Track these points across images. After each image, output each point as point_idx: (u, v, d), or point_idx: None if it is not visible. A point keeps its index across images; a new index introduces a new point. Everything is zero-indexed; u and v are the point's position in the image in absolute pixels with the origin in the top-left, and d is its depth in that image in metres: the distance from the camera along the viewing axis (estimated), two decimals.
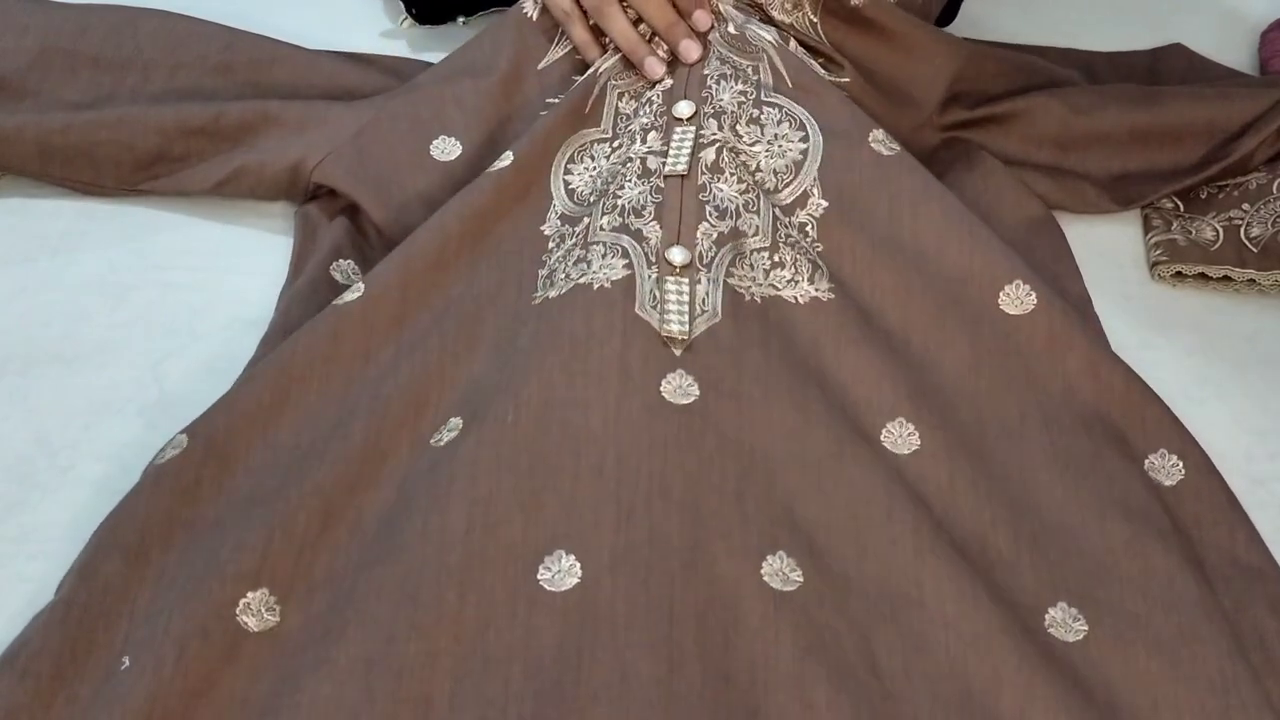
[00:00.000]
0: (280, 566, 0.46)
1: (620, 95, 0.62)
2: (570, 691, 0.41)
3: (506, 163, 0.59)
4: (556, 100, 0.63)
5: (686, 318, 0.50)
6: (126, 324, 0.61)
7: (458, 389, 0.51)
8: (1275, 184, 0.66)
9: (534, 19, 0.66)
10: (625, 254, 0.53)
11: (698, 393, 0.49)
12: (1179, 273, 0.65)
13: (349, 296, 0.54)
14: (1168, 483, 0.51)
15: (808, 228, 0.56)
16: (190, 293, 0.62)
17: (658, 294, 0.51)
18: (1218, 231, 0.66)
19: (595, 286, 0.51)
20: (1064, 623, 0.46)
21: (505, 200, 0.58)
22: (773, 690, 0.42)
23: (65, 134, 0.64)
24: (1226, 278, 0.65)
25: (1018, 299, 0.55)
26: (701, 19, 0.61)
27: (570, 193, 0.58)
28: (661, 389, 0.49)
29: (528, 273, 0.55)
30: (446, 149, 0.64)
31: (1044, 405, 0.52)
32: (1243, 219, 0.66)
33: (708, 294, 0.52)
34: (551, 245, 0.56)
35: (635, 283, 0.51)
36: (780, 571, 0.45)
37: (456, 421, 0.49)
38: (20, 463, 0.55)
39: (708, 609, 0.43)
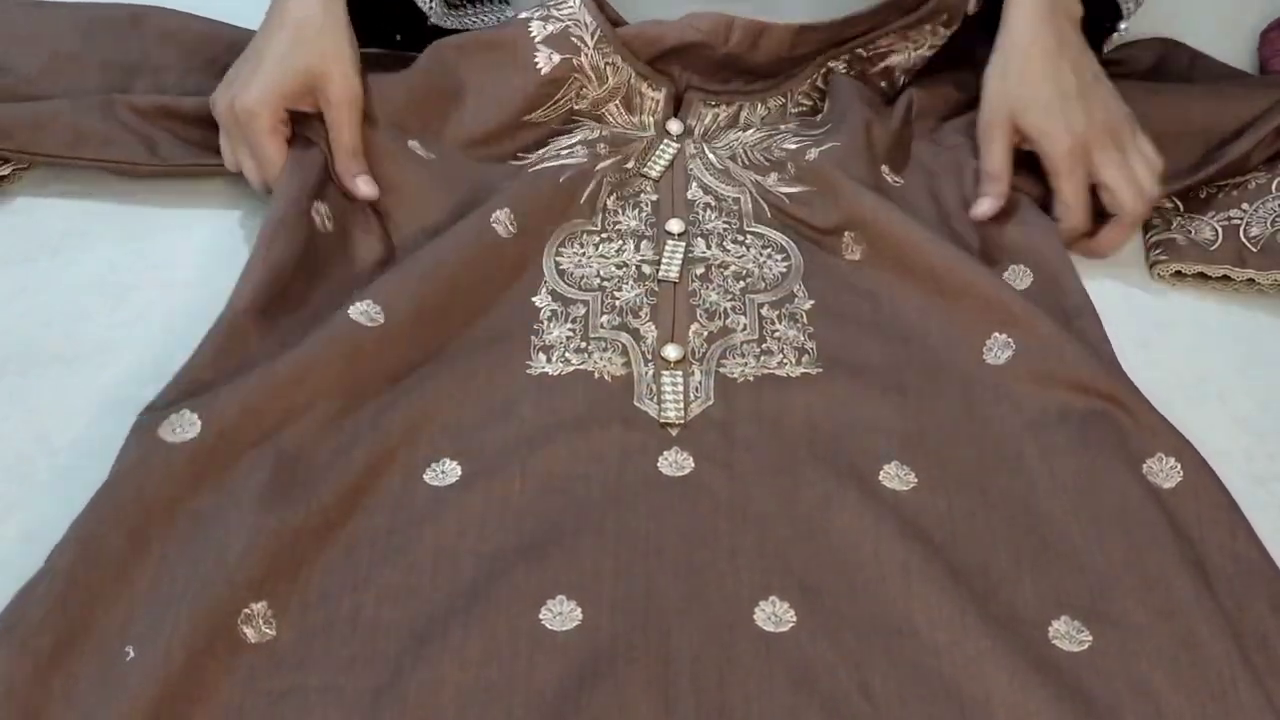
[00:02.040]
0: (280, 580, 0.47)
1: (611, 193, 0.65)
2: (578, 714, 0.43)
3: (505, 234, 0.61)
4: (532, 156, 0.66)
5: (682, 405, 0.55)
6: (127, 324, 0.61)
7: (449, 428, 0.53)
8: (1274, 183, 0.66)
9: (543, 72, 0.67)
10: (624, 351, 0.58)
11: (692, 465, 0.53)
12: (1178, 272, 0.66)
13: (365, 321, 0.55)
14: (1167, 485, 0.52)
15: (797, 316, 0.60)
16: (190, 292, 0.62)
17: (654, 387, 0.56)
18: (1217, 231, 0.66)
19: (596, 376, 0.56)
20: (1068, 634, 0.47)
21: (504, 268, 0.61)
22: None
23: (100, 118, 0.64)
24: (1226, 277, 0.65)
25: (996, 351, 0.58)
26: (362, 188, 0.62)
27: (561, 273, 0.62)
28: (658, 464, 0.53)
29: (518, 336, 0.58)
30: (424, 149, 0.65)
31: (1038, 433, 0.54)
32: (1242, 218, 0.66)
33: (701, 382, 0.57)
34: (544, 316, 0.59)
35: (633, 378, 0.57)
36: (773, 615, 0.47)
37: (454, 466, 0.52)
38: (20, 462, 0.55)
39: (702, 651, 0.46)
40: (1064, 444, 0.53)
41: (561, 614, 0.46)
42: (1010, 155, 0.64)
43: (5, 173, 0.66)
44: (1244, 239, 0.65)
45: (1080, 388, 0.55)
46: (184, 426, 0.50)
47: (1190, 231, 0.67)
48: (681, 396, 0.55)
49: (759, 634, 0.46)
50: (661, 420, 0.55)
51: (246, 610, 0.46)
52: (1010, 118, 0.64)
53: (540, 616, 0.46)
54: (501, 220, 0.61)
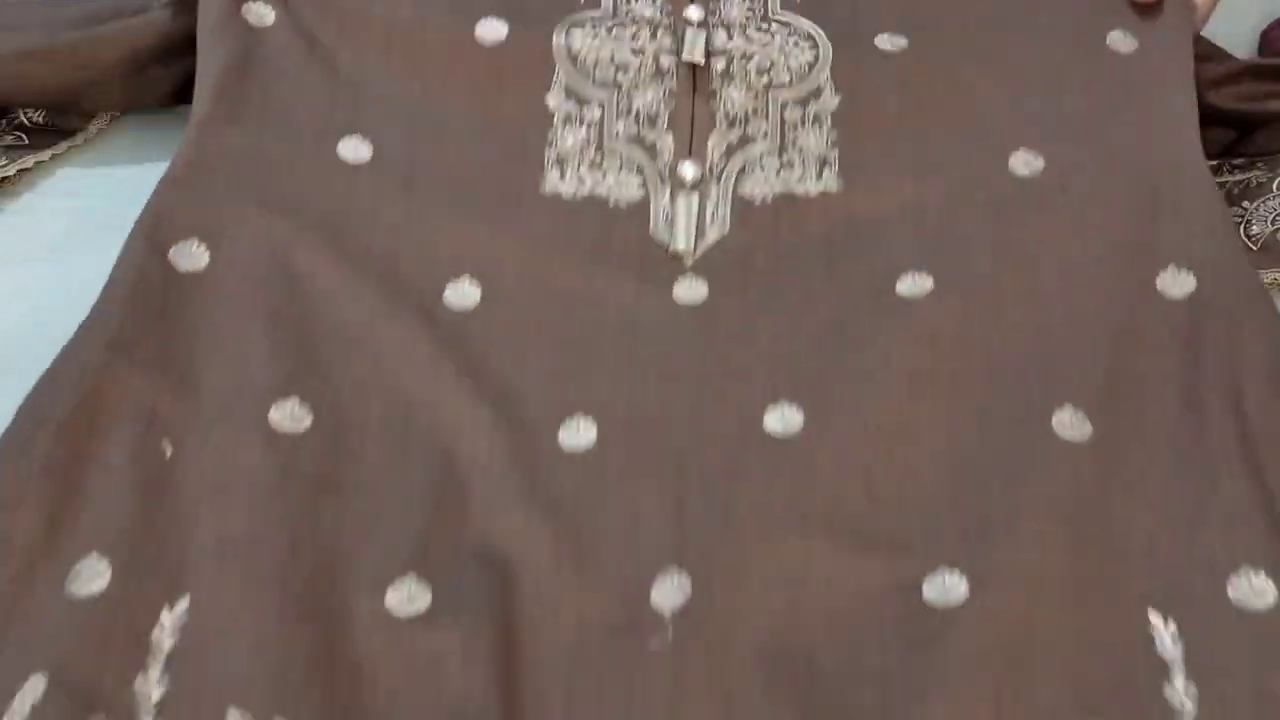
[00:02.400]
0: (309, 384, 0.49)
1: None
2: (586, 530, 0.46)
3: (501, 35, 0.60)
4: None
5: (693, 235, 0.56)
6: None
7: (467, 248, 0.55)
8: (1275, 182, 0.66)
9: None
10: (640, 171, 0.58)
11: (707, 293, 0.54)
12: None
13: (352, 157, 0.57)
14: (1178, 295, 0.53)
15: (822, 118, 0.59)
16: None
17: (670, 212, 0.56)
18: None
19: (611, 203, 0.57)
20: (1071, 423, 0.49)
21: (504, 70, 0.59)
22: (768, 530, 0.47)
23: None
24: None
25: (1026, 162, 0.58)
26: None
27: (573, 58, 0.60)
28: (674, 292, 0.54)
29: (532, 147, 0.58)
30: None
31: (1058, 245, 0.55)
32: (1243, 216, 0.66)
33: (717, 207, 0.57)
34: (556, 121, 0.59)
35: (649, 205, 0.57)
36: (782, 418, 0.50)
37: (473, 289, 0.54)
38: None
39: (712, 459, 0.48)
40: (1081, 259, 0.54)
41: (578, 431, 0.49)
42: None
43: (10, 173, 0.66)
44: (1245, 237, 0.65)
45: (1104, 205, 0.56)
46: (194, 256, 0.53)
47: None
48: (694, 226, 0.56)
49: (767, 438, 0.49)
50: (672, 252, 0.56)
51: (278, 404, 0.48)
52: None
53: (559, 436, 0.49)
54: (491, 27, 0.61)
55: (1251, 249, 0.65)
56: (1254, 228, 0.65)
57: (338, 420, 0.49)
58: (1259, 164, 0.69)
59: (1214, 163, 0.70)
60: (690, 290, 0.54)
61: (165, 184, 0.55)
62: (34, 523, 0.43)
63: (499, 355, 0.52)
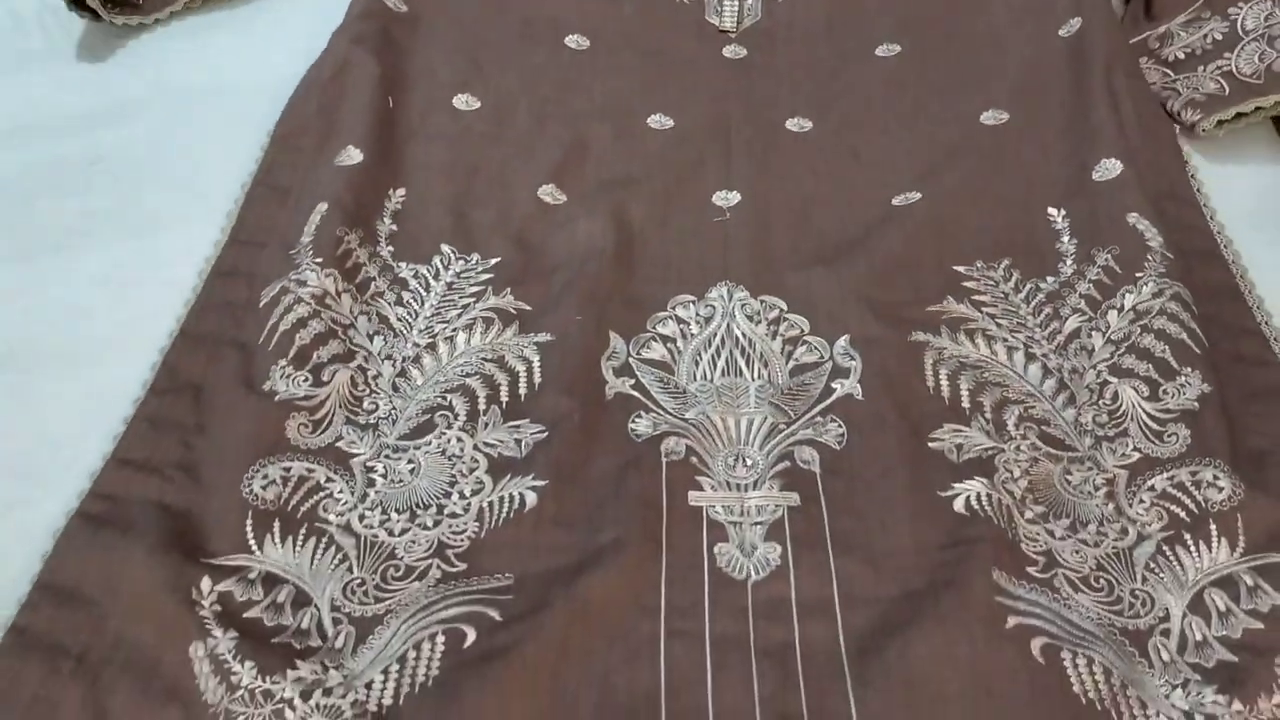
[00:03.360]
0: (477, 85, 0.75)
1: None
2: (667, 167, 0.70)
3: None
4: None
5: (737, 19, 0.83)
6: (128, 322, 0.58)
7: (578, 14, 0.82)
8: (1237, 25, 0.69)
9: None
10: None
11: (746, 53, 0.80)
12: (1219, 122, 0.67)
13: None
14: (1070, 35, 0.75)
15: None
16: (190, 292, 0.60)
17: (720, 8, 0.84)
18: (1220, 83, 0.68)
19: (676, 0, 0.85)
20: (993, 116, 0.73)
21: None
22: (789, 180, 0.70)
23: None
24: (1259, 109, 0.66)
25: None
26: None
27: None
28: (722, 52, 0.81)
29: None
30: None
31: (987, 11, 0.80)
32: (1229, 60, 0.68)
33: (752, 4, 0.84)
34: None
35: (704, 3, 0.84)
36: (798, 123, 0.75)
37: (584, 40, 0.81)
38: (21, 459, 0.52)
39: (752, 140, 0.73)
40: (1004, 21, 0.79)
41: (660, 122, 0.74)
42: None
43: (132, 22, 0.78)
44: (1239, 78, 0.67)
45: None
46: (398, 4, 0.79)
47: (1197, 89, 0.68)
48: (737, 13, 0.83)
49: (789, 133, 0.74)
50: (720, 28, 0.82)
51: (457, 96, 0.75)
52: None
53: (648, 121, 0.74)
54: None
55: (1258, 83, 0.66)
56: (1244, 68, 0.67)
57: (497, 106, 0.75)
58: (1191, 25, 0.71)
59: (1152, 37, 0.74)
60: (734, 51, 0.80)
61: None
62: (314, 134, 0.70)
63: (604, 79, 0.78)
